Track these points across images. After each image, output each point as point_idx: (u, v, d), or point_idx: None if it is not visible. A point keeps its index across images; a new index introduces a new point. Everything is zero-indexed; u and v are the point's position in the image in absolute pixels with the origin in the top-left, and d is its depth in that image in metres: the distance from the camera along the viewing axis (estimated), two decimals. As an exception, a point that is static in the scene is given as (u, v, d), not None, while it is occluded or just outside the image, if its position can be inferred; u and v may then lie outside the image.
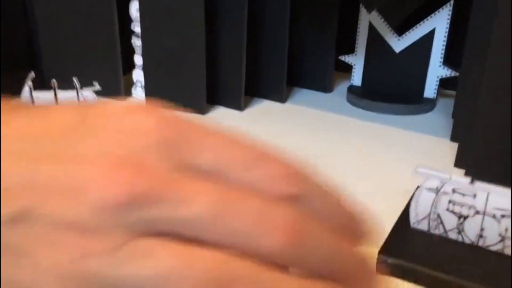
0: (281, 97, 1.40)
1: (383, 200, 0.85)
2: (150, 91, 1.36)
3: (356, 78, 1.47)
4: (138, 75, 1.38)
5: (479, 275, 0.64)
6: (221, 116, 1.29)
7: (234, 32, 1.27)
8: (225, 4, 1.26)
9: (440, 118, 1.32)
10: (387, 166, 1.03)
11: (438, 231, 0.71)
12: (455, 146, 1.07)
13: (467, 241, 0.69)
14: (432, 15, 1.30)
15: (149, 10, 1.28)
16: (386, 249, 0.68)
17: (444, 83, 1.40)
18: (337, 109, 1.36)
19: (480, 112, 0.91)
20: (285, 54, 1.36)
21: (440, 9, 1.28)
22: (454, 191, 0.68)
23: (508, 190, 0.65)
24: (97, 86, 1.04)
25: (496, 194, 0.66)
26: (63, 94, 1.04)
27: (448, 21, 1.28)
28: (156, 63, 1.33)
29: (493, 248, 0.68)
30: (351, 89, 1.45)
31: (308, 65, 1.50)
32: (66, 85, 1.04)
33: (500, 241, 0.67)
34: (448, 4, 1.27)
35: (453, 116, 1.26)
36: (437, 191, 0.69)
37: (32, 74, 1.02)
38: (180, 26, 1.25)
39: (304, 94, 1.48)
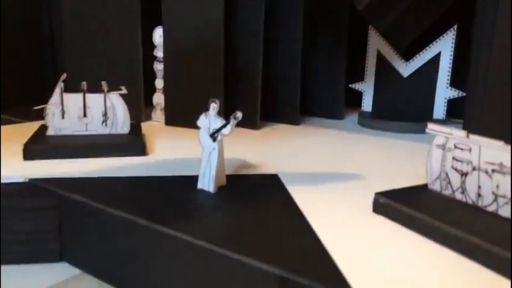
0: (295, 121, 1.45)
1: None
2: (169, 114, 1.42)
3: (367, 104, 1.53)
4: (158, 98, 1.45)
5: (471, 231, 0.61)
6: (238, 135, 1.34)
7: (251, 64, 1.36)
8: (243, 36, 1.36)
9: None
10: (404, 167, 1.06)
11: (448, 191, 0.72)
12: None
13: (469, 201, 0.70)
14: (437, 40, 1.38)
15: (172, 36, 1.37)
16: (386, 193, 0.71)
17: (451, 111, 1.44)
18: (349, 130, 1.40)
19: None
20: (298, 84, 1.43)
21: (445, 34, 1.37)
22: (455, 146, 0.70)
23: (499, 142, 0.63)
24: (124, 90, 1.11)
25: (487, 147, 0.65)
26: (92, 96, 1.10)
27: (453, 45, 1.37)
28: (177, 86, 1.40)
29: (489, 209, 0.66)
30: (362, 114, 1.50)
31: (320, 94, 1.56)
32: (94, 89, 1.10)
33: (494, 201, 0.65)
34: (452, 29, 1.36)
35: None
36: (443, 147, 0.72)
37: (64, 75, 1.08)
38: (201, 53, 1.34)
39: (316, 120, 1.53)
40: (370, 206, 0.76)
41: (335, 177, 0.95)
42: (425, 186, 0.76)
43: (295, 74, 1.43)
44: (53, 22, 1.49)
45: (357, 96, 1.56)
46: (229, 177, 0.87)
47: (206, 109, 0.82)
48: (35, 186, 0.85)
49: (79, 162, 0.99)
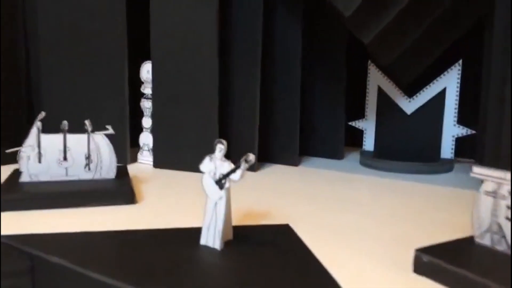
0: (294, 162, 1.35)
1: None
2: (158, 155, 1.30)
3: (368, 143, 1.44)
4: (145, 138, 1.33)
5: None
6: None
7: (248, 102, 1.27)
8: (239, 76, 1.27)
9: (461, 176, 1.26)
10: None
11: (502, 246, 0.62)
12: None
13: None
14: (442, 75, 1.31)
15: (161, 72, 1.27)
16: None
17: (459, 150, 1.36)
18: (352, 171, 1.31)
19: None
20: (297, 124, 1.34)
21: (449, 69, 1.31)
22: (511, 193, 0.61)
23: None
24: (110, 130, 0.99)
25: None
26: (73, 137, 0.97)
27: (459, 80, 1.30)
28: (166, 125, 1.28)
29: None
30: (364, 153, 1.41)
31: (318, 132, 1.47)
32: (76, 128, 0.98)
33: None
34: (457, 64, 1.30)
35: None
36: (495, 194, 0.62)
37: (42, 114, 0.96)
38: (192, 90, 1.23)
39: (315, 161, 1.43)
40: (406, 263, 0.64)
41: (356, 227, 0.84)
42: (470, 240, 0.65)
43: (294, 113, 1.34)
44: (30, 53, 1.36)
45: (358, 135, 1.47)
46: (235, 229, 0.75)
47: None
48: (4, 245, 0.71)
49: (58, 213, 0.86)
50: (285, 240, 0.76)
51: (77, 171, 0.98)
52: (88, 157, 0.98)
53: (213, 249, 0.70)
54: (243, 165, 0.68)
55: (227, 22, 1.25)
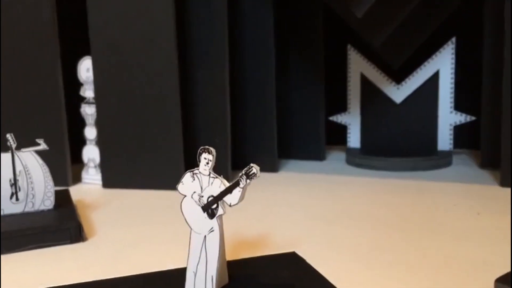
0: (274, 168, 1.15)
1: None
2: (108, 172, 1.05)
3: (353, 140, 1.27)
4: (90, 152, 1.08)
5: None
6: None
7: (216, 102, 1.08)
8: (203, 70, 1.07)
9: (464, 170, 1.11)
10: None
11: None
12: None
13: None
14: (434, 56, 1.16)
15: (105, 68, 1.03)
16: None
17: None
18: (339, 173, 1.12)
19: None
20: (275, 126, 1.16)
21: (442, 49, 1.15)
22: None
23: None
24: (42, 145, 0.75)
25: None
26: (-9, 157, 0.72)
27: (453, 61, 1.15)
28: (115, 135, 1.04)
29: None
30: (350, 152, 1.23)
31: (296, 132, 1.27)
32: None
33: None
34: (450, 42, 1.14)
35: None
36: None
37: None
38: (149, 89, 1.01)
39: (295, 164, 1.24)
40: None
41: (375, 250, 0.65)
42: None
43: (270, 114, 1.15)
44: None
45: (340, 131, 1.29)
46: (229, 266, 0.53)
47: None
48: None
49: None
50: (299, 274, 0.55)
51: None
52: (14, 184, 0.73)
53: (207, 307, 0.48)
54: (244, 182, 0.47)
55: (185, 7, 1.04)
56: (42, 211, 0.77)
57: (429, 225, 0.76)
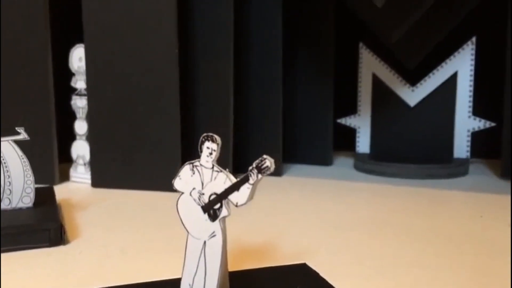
0: (278, 171, 1.09)
1: None
2: (98, 170, 0.97)
3: (363, 144, 1.19)
4: (80, 148, 1.00)
5: None
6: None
7: (219, 102, 1.02)
8: (206, 67, 1.01)
9: (483, 179, 1.03)
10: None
11: None
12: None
13: None
14: (452, 56, 1.09)
15: (99, 57, 0.95)
16: None
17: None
18: (347, 178, 1.05)
19: None
20: (280, 127, 1.10)
21: (461, 49, 1.08)
22: None
23: None
24: (22, 134, 0.66)
25: None
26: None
27: (473, 62, 1.08)
28: (107, 130, 0.97)
29: None
30: (359, 157, 1.15)
31: (302, 135, 1.20)
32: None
33: None
34: (469, 42, 1.07)
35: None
36: None
37: None
38: (144, 81, 0.95)
39: (300, 168, 1.16)
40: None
41: (398, 263, 0.58)
42: None
43: (275, 114, 1.10)
44: None
45: (348, 135, 1.22)
46: (232, 277, 0.45)
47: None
48: None
49: None
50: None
51: (-28, 200, 0.65)
52: (-12, 177, 0.65)
53: (206, 327, 0.40)
54: (255, 177, 0.39)
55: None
56: (20, 209, 0.70)
57: (456, 237, 0.68)
